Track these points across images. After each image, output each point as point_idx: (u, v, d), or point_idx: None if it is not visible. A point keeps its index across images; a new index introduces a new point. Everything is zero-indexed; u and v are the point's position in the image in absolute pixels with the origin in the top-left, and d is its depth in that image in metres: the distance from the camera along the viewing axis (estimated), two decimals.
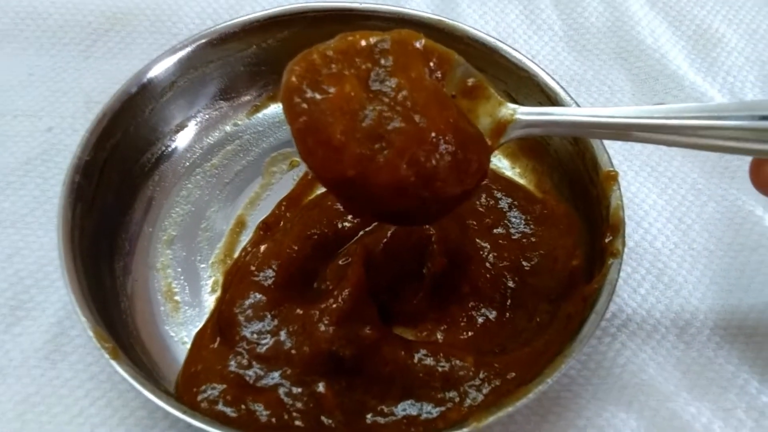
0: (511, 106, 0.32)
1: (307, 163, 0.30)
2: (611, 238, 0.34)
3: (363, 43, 0.30)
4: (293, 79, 0.30)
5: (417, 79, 0.30)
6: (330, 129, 0.29)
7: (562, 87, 0.41)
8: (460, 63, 0.32)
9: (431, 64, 0.31)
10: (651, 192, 0.43)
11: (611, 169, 0.37)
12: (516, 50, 0.42)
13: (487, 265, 0.38)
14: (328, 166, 0.29)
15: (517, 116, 0.32)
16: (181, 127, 0.43)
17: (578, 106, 0.40)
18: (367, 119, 0.29)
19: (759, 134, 0.29)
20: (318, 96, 0.29)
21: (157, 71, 0.40)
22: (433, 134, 0.29)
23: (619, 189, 0.36)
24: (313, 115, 0.29)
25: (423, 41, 0.31)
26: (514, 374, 0.33)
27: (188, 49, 0.41)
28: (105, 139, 0.38)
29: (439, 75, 0.31)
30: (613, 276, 0.33)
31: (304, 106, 0.29)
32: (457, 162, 0.30)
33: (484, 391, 0.33)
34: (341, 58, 0.30)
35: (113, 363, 0.30)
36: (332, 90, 0.29)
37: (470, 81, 0.32)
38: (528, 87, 0.42)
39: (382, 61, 0.30)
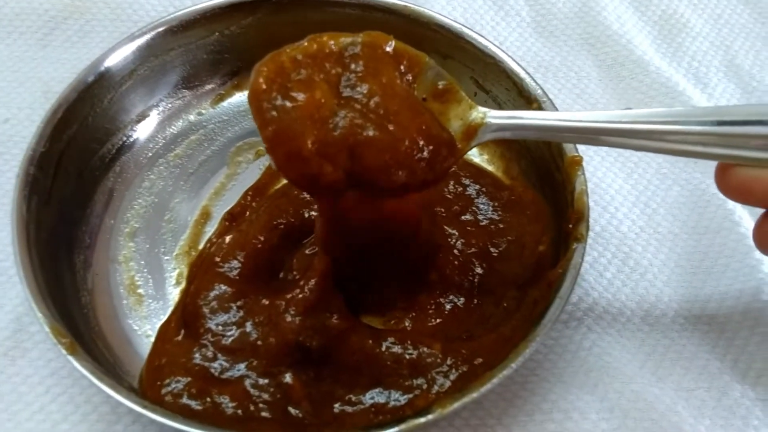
0: (482, 109, 0.32)
1: (278, 170, 0.30)
2: (575, 223, 0.35)
3: (333, 46, 0.30)
4: (261, 82, 0.29)
5: (388, 84, 0.30)
6: (300, 140, 0.29)
7: (528, 73, 0.40)
8: (430, 66, 0.32)
9: (402, 67, 0.31)
10: (617, 177, 0.44)
11: (576, 154, 0.37)
12: (483, 36, 0.42)
13: (455, 252, 0.38)
14: (297, 175, 0.30)
15: (488, 120, 0.32)
16: (143, 116, 0.42)
17: (543, 91, 0.40)
18: (338, 128, 0.29)
19: (724, 139, 0.30)
20: (288, 103, 0.29)
21: (115, 59, 0.39)
22: (406, 142, 0.29)
23: (584, 174, 0.36)
24: (282, 123, 0.29)
25: (393, 44, 0.31)
26: (481, 360, 0.33)
27: (147, 37, 0.40)
28: (61, 129, 0.37)
29: (410, 78, 0.31)
30: (577, 260, 0.33)
31: (274, 113, 0.29)
32: (428, 167, 0.30)
33: (452, 377, 0.33)
34: (311, 63, 0.30)
35: (70, 358, 0.29)
36: (302, 97, 0.29)
37: (441, 84, 0.32)
38: (495, 73, 0.42)
39: (353, 66, 0.30)
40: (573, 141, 0.33)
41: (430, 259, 0.38)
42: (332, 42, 0.30)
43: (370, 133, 0.29)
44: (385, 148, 0.29)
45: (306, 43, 0.30)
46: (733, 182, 0.30)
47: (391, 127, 0.29)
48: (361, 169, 0.29)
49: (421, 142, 0.29)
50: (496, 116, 0.32)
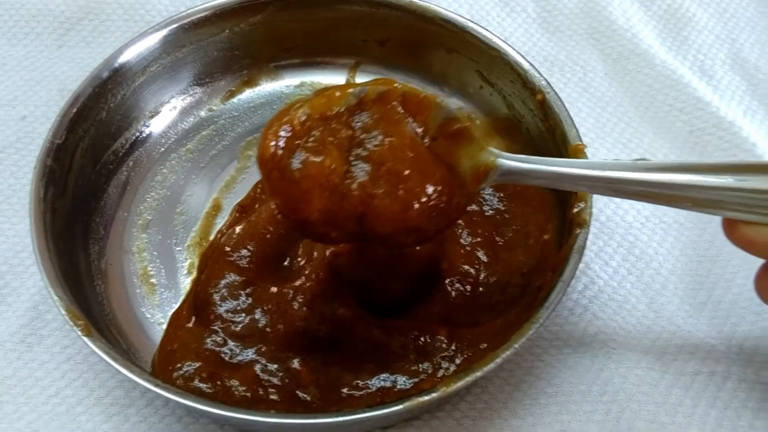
0: (494, 151, 0.32)
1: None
2: (578, 208, 0.35)
3: (341, 105, 0.30)
4: (270, 147, 0.29)
5: (398, 146, 0.30)
6: (308, 210, 0.29)
7: (532, 65, 0.41)
8: (441, 106, 0.31)
9: (410, 116, 0.31)
10: None
11: (579, 142, 0.37)
12: (487, 30, 0.43)
13: (462, 241, 0.39)
14: (305, 234, 0.31)
15: (498, 162, 0.31)
16: (156, 112, 0.43)
17: (548, 82, 0.40)
18: (347, 196, 0.29)
19: (736, 194, 0.29)
20: (297, 172, 0.29)
21: (128, 56, 0.40)
22: (416, 206, 0.29)
23: None
24: (291, 194, 0.29)
25: (401, 92, 0.31)
26: (486, 345, 0.34)
27: (160, 34, 0.41)
28: (77, 123, 0.38)
29: (420, 127, 0.31)
30: (580, 245, 0.33)
31: (282, 183, 0.29)
32: (439, 223, 0.30)
33: (457, 361, 0.34)
34: (320, 125, 0.30)
35: (86, 339, 0.30)
36: (312, 163, 0.29)
37: (453, 124, 0.31)
38: (499, 66, 0.42)
39: (362, 129, 0.30)
40: (587, 190, 0.32)
41: (441, 251, 0.38)
42: (340, 99, 0.30)
43: (379, 202, 0.29)
44: (394, 217, 0.29)
45: (314, 99, 0.30)
46: (738, 237, 0.30)
47: (401, 194, 0.29)
48: (370, 234, 0.30)
49: (432, 204, 0.29)
50: (507, 158, 0.32)
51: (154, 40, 0.41)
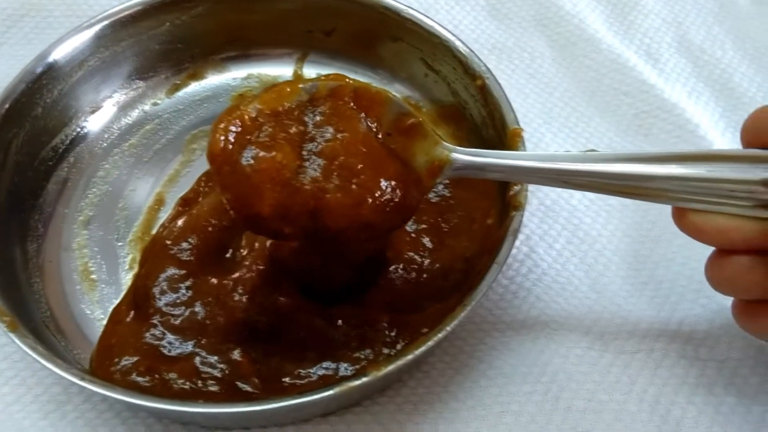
0: (447, 146, 0.32)
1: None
2: (514, 191, 0.35)
3: (292, 101, 0.30)
4: (219, 141, 0.29)
5: (351, 141, 0.30)
6: (259, 205, 0.29)
7: (472, 51, 0.41)
8: (393, 101, 0.32)
9: (363, 112, 0.31)
10: (569, 151, 0.44)
11: (516, 127, 0.37)
12: (429, 18, 0.43)
13: (407, 228, 0.39)
14: (258, 231, 0.30)
15: (453, 156, 0.32)
16: (97, 107, 0.42)
17: (487, 68, 0.40)
18: (299, 191, 0.29)
19: (688, 184, 0.30)
20: (248, 167, 0.29)
21: (63, 51, 0.40)
22: (369, 201, 0.29)
23: (524, 146, 0.37)
24: (242, 188, 0.29)
25: (353, 87, 0.31)
26: (426, 330, 0.34)
27: (96, 28, 0.41)
28: (9, 119, 0.37)
29: (373, 123, 0.31)
30: (515, 227, 0.34)
31: (233, 177, 0.29)
32: (394, 218, 0.30)
33: (398, 347, 0.34)
34: (272, 121, 0.30)
35: (11, 335, 0.30)
36: (263, 158, 0.29)
37: (407, 119, 0.32)
38: (442, 53, 0.42)
39: (314, 124, 0.30)
40: (538, 183, 0.32)
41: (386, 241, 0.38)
42: (291, 94, 0.30)
43: (332, 196, 0.29)
44: (347, 212, 0.29)
45: (264, 95, 0.30)
46: (688, 225, 0.31)
47: (354, 189, 0.29)
48: (323, 229, 0.30)
49: (386, 198, 0.29)
50: (461, 153, 0.32)
51: (89, 34, 0.41)
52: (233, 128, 0.29)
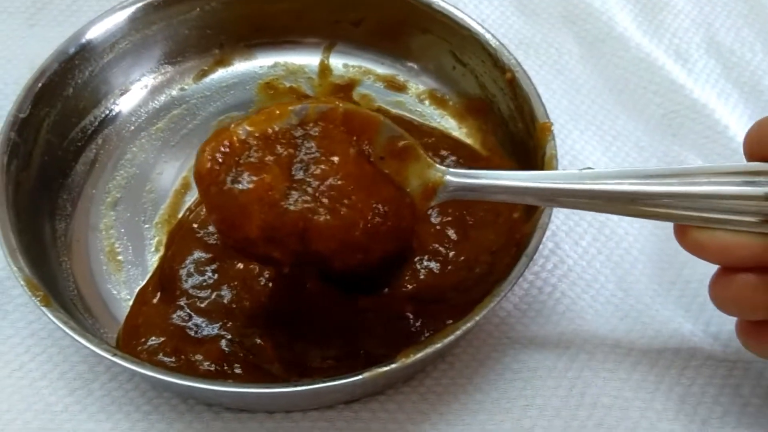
0: (441, 168, 0.31)
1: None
2: None
3: (282, 123, 0.29)
4: (205, 162, 0.28)
5: (341, 164, 0.29)
6: (247, 226, 0.28)
7: (502, 44, 0.41)
8: (385, 125, 0.31)
9: (355, 135, 0.30)
10: (595, 150, 0.44)
11: (546, 120, 0.37)
12: (459, 10, 0.43)
13: (432, 220, 0.39)
14: (246, 255, 0.30)
15: (447, 179, 0.31)
16: (125, 90, 0.43)
17: (517, 61, 0.40)
18: (288, 212, 0.28)
19: (684, 200, 0.28)
20: (236, 187, 0.28)
21: (95, 33, 0.40)
22: (360, 225, 0.28)
23: (554, 139, 0.37)
24: (230, 210, 0.28)
25: (343, 110, 0.30)
26: (451, 321, 0.34)
27: (130, 10, 0.41)
28: (42, 98, 0.37)
29: (365, 146, 0.30)
30: (544, 221, 0.33)
31: (220, 198, 0.28)
32: (387, 243, 0.29)
33: (423, 337, 0.34)
34: (261, 144, 0.29)
35: (45, 310, 0.30)
36: (251, 180, 0.28)
37: (399, 143, 0.31)
38: (471, 46, 0.42)
39: (305, 147, 0.29)
40: (533, 203, 0.31)
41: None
42: (281, 117, 0.29)
43: (321, 218, 0.28)
44: (337, 234, 0.28)
45: (253, 117, 0.30)
46: (690, 243, 0.29)
47: (343, 211, 0.28)
48: (313, 253, 0.29)
49: (378, 222, 0.29)
50: (455, 175, 0.31)
51: (122, 17, 0.41)
52: (222, 149, 0.29)
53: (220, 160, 0.29)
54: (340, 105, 0.31)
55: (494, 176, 0.31)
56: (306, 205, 0.28)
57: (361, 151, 0.30)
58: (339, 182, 0.29)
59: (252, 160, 0.29)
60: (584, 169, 0.31)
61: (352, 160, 0.30)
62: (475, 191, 0.31)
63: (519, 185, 0.31)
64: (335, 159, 0.29)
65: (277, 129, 0.29)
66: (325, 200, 0.28)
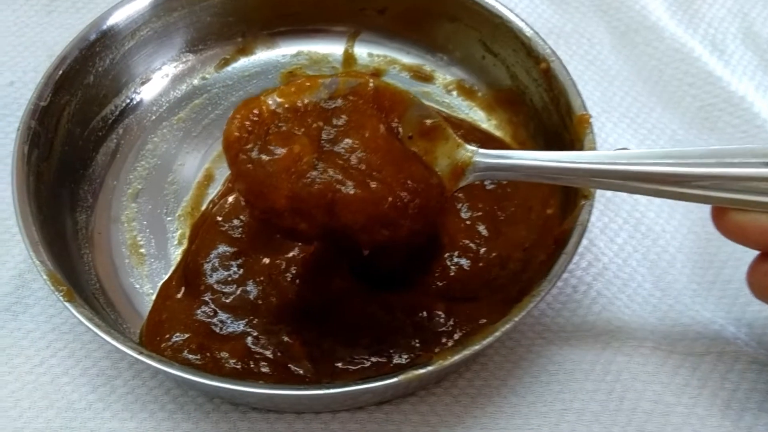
0: (470, 148, 0.30)
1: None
2: None
3: (312, 96, 0.29)
4: (234, 131, 0.28)
5: (371, 138, 0.28)
6: (274, 195, 0.27)
7: (536, 32, 0.39)
8: (415, 102, 0.30)
9: (384, 113, 0.29)
10: (630, 143, 0.43)
11: (584, 112, 0.36)
12: None
13: (462, 215, 0.38)
14: (272, 227, 0.29)
15: (476, 159, 0.30)
16: (147, 79, 0.41)
17: (552, 50, 0.39)
18: (316, 183, 0.27)
19: (723, 182, 0.27)
20: (264, 156, 0.28)
21: (116, 19, 0.39)
22: (389, 199, 0.28)
23: (592, 132, 0.35)
24: (257, 177, 0.28)
25: (373, 86, 0.29)
26: (485, 320, 0.33)
27: None
28: (63, 86, 0.36)
29: (394, 123, 0.30)
30: (584, 217, 0.32)
31: (249, 166, 0.28)
32: (415, 220, 0.28)
33: (455, 336, 0.33)
34: (290, 116, 0.28)
35: (68, 305, 0.29)
36: (280, 150, 0.28)
37: (428, 122, 0.30)
38: (502, 34, 0.41)
39: (334, 120, 0.29)
40: (565, 183, 0.31)
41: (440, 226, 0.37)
42: (311, 90, 0.29)
43: (350, 190, 0.27)
44: (365, 207, 0.28)
45: (283, 88, 0.29)
46: (729, 226, 0.28)
47: (373, 185, 0.28)
48: (340, 227, 0.28)
49: (406, 198, 0.28)
50: (484, 155, 0.30)
51: (144, 2, 0.40)
52: (251, 117, 0.28)
53: (249, 128, 0.28)
54: (370, 80, 0.30)
55: (525, 156, 0.30)
56: (335, 177, 0.27)
57: (390, 128, 0.29)
58: (368, 156, 0.28)
59: (281, 130, 0.28)
60: (619, 149, 0.30)
61: (382, 136, 0.29)
62: (506, 171, 0.30)
63: (551, 165, 0.30)
64: (365, 133, 0.29)
65: (306, 101, 0.29)
66: (354, 173, 0.28)
